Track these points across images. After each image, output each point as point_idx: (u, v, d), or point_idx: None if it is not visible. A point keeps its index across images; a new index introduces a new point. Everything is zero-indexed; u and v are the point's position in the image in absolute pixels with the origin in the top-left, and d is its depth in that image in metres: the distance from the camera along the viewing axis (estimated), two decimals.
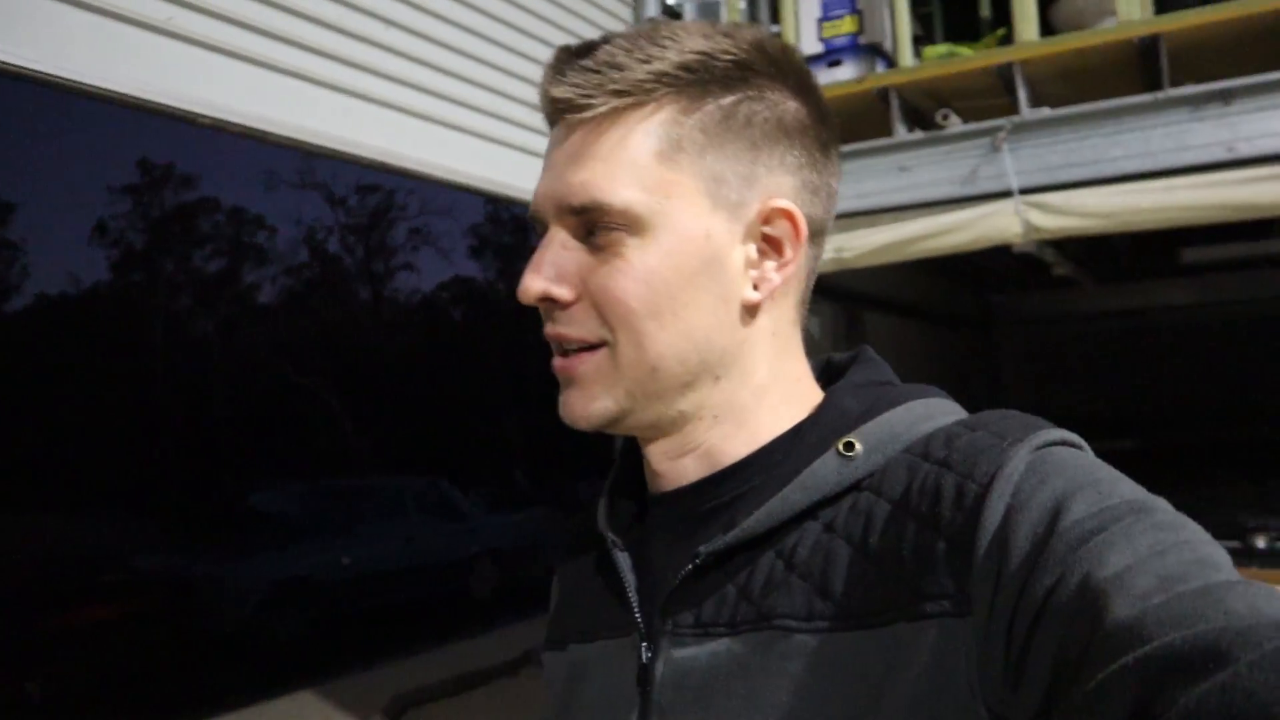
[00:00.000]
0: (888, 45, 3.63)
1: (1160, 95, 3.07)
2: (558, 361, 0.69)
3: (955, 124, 3.29)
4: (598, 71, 0.66)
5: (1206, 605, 0.44)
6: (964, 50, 3.68)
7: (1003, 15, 3.76)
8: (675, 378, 0.67)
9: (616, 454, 0.83)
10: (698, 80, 0.67)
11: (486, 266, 35.70)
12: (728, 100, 0.67)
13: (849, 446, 0.64)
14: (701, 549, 0.66)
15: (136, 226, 27.92)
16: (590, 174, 0.66)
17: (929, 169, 3.30)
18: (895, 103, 3.39)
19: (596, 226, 0.66)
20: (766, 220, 0.68)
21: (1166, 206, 3.02)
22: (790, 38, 3.74)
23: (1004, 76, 3.34)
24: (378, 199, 31.56)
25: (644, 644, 0.69)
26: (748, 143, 0.68)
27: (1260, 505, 3.87)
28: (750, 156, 0.68)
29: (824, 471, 0.64)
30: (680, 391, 0.68)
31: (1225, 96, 3.00)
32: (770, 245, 0.69)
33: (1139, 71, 3.29)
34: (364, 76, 2.46)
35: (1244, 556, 3.26)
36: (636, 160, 0.65)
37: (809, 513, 0.64)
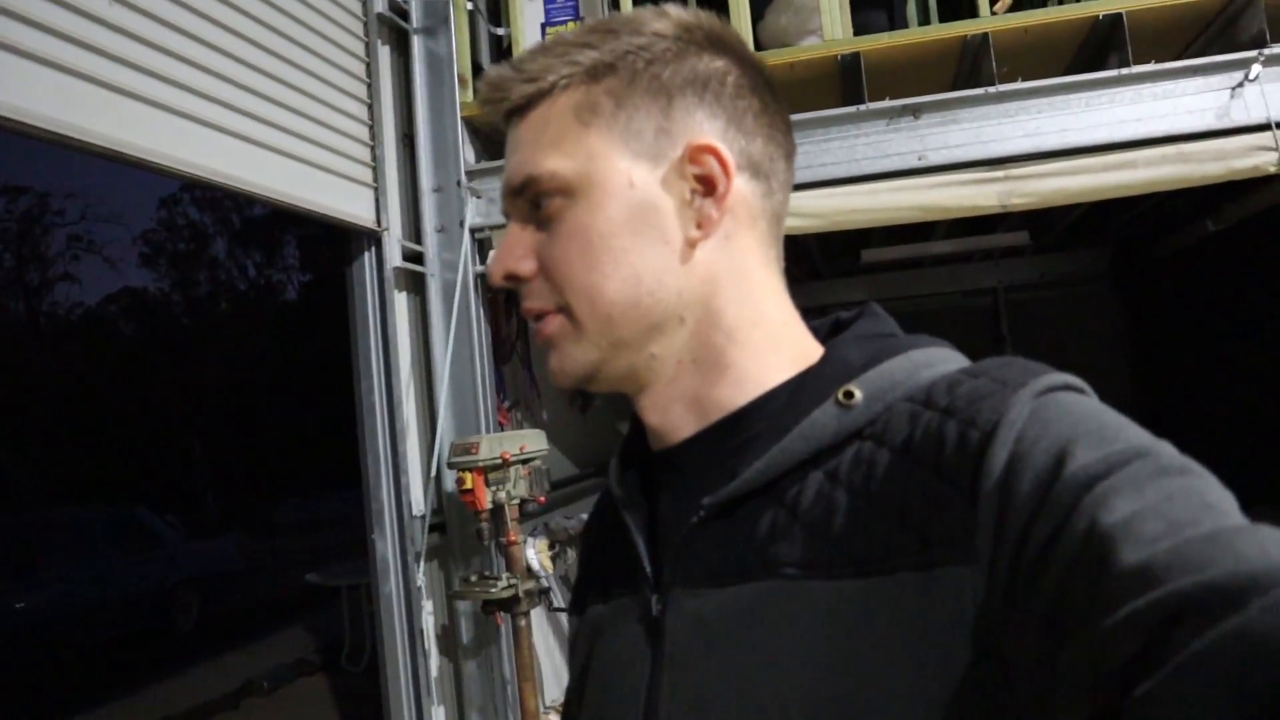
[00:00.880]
0: None
1: (863, 108, 3.40)
2: (536, 330, 0.73)
3: None
4: (516, 70, 0.73)
5: (1216, 549, 0.43)
6: None
7: None
8: (635, 323, 0.70)
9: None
10: (603, 57, 0.71)
11: (161, 276, 32.99)
12: (636, 65, 0.71)
13: (848, 395, 0.65)
14: (705, 500, 0.67)
15: None
16: (522, 156, 0.72)
17: None
18: None
19: (539, 200, 0.71)
20: (693, 160, 0.70)
21: (871, 208, 3.35)
22: (522, 39, 3.79)
23: None
24: (29, 201, 28.28)
25: (654, 596, 0.70)
26: (661, 97, 0.71)
27: None
28: (663, 108, 0.71)
29: (823, 420, 0.65)
30: (647, 336, 0.71)
31: (915, 111, 3.37)
32: (702, 184, 0.71)
33: (840, 86, 3.62)
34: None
35: None
36: (557, 133, 0.70)
37: (811, 462, 0.65)
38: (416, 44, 3.71)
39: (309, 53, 3.14)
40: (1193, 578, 0.42)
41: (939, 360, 0.68)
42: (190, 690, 6.85)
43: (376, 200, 3.47)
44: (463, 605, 3.47)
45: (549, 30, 3.87)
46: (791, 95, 3.70)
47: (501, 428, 3.97)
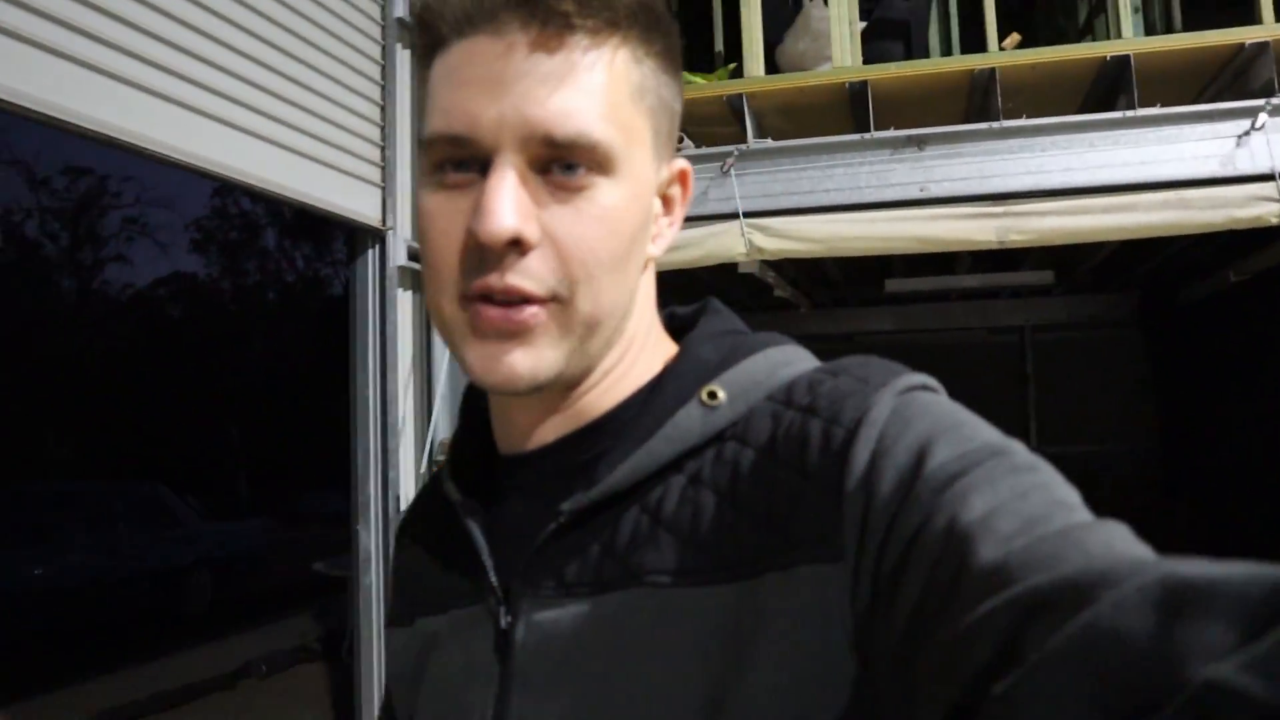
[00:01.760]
0: None
1: (867, 136, 3.42)
2: (495, 312, 0.60)
3: (689, 147, 3.51)
4: None
5: (1067, 546, 0.44)
6: (698, 79, 3.94)
7: (734, 51, 4.05)
8: (607, 333, 0.65)
9: (458, 413, 0.79)
10: (653, 20, 0.64)
11: (210, 262, 33.60)
12: (677, 58, 0.67)
13: (712, 395, 0.63)
14: (564, 506, 0.63)
15: None
16: (576, 103, 0.59)
17: None
18: None
19: (571, 163, 0.60)
20: (675, 179, 0.69)
21: (869, 236, 3.37)
22: None
23: (734, 107, 3.60)
24: (89, 183, 28.97)
25: (503, 608, 0.65)
26: (678, 100, 0.67)
27: None
28: (674, 110, 0.67)
29: (688, 422, 0.63)
30: (603, 348, 0.66)
31: (919, 142, 3.38)
32: (665, 203, 0.69)
33: (850, 113, 3.64)
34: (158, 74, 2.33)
35: None
36: (615, 99, 0.61)
37: (674, 465, 0.62)
38: None
39: (323, 53, 3.23)
40: (1048, 575, 0.42)
41: (794, 358, 0.66)
42: (191, 668, 6.95)
43: (383, 199, 3.55)
44: None
45: None
46: (801, 120, 3.73)
47: None
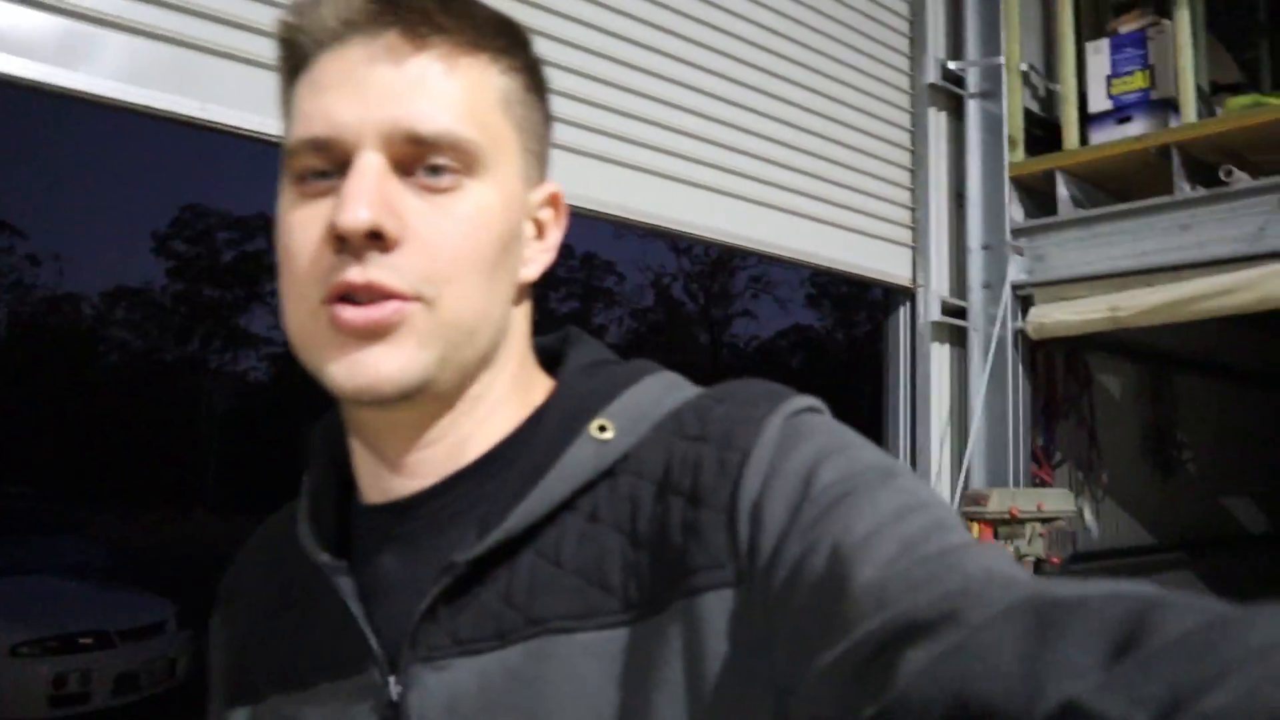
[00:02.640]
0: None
1: None
2: (356, 312, 0.57)
3: (1240, 180, 3.18)
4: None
5: (943, 568, 0.45)
6: (1273, 100, 3.52)
7: None
8: (482, 346, 0.62)
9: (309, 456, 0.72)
10: (516, 39, 0.66)
11: (824, 315, 35.97)
12: (545, 80, 0.68)
13: (602, 428, 0.61)
14: (458, 558, 0.59)
15: None
16: (442, 105, 0.59)
17: (1212, 226, 3.20)
18: (1176, 159, 3.31)
19: (437, 164, 0.59)
20: (547, 202, 0.68)
21: None
22: (1072, 96, 3.75)
23: None
24: (720, 249, 32.84)
25: (391, 678, 0.60)
26: (544, 119, 0.68)
27: None
28: (543, 135, 0.68)
29: (581, 457, 0.61)
30: (480, 364, 0.63)
31: None
32: (537, 227, 0.68)
33: None
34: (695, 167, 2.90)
35: None
36: (483, 106, 0.61)
37: (566, 503, 0.60)
38: (971, 108, 3.88)
39: (851, 129, 3.53)
40: (925, 596, 0.43)
41: (674, 385, 0.66)
42: None
43: (914, 258, 3.72)
44: None
45: (1114, 82, 3.78)
46: None
47: (1043, 484, 3.94)
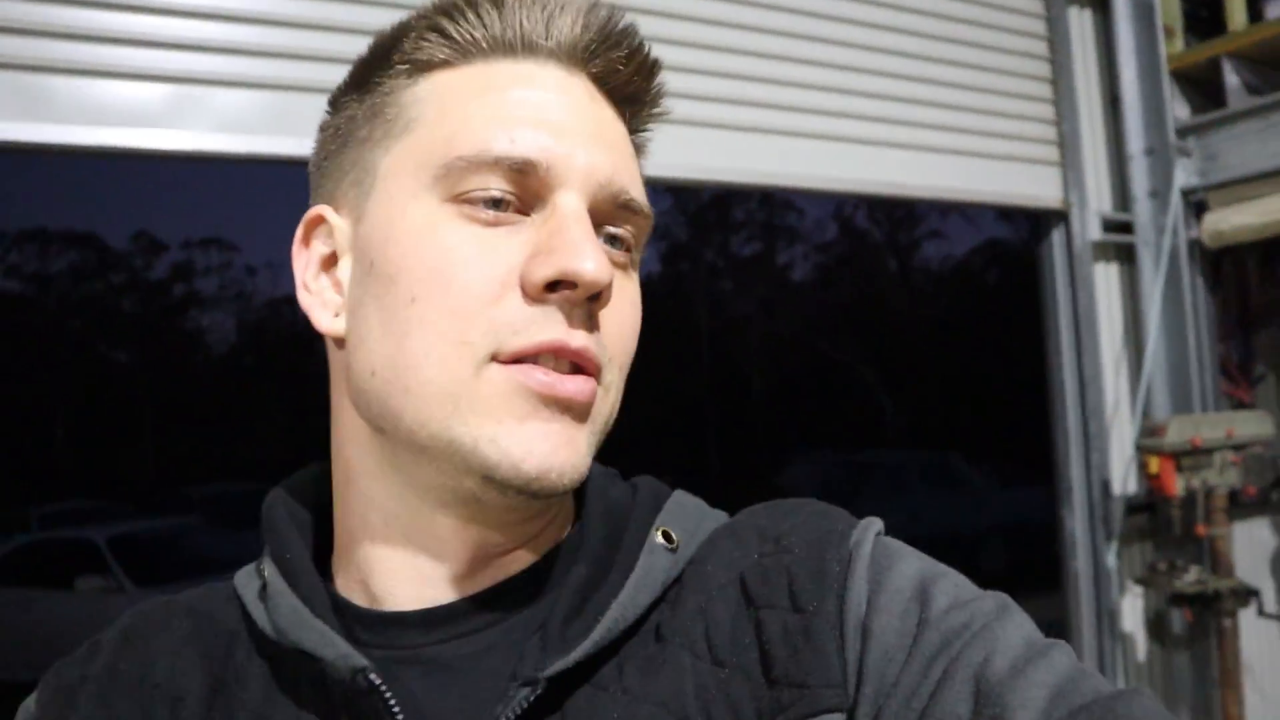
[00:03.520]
0: None
1: None
2: (571, 385, 0.49)
3: None
4: (646, 56, 0.56)
5: None
6: None
7: None
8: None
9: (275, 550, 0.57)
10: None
11: (1019, 227, 34.13)
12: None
13: (668, 536, 0.55)
14: (539, 674, 0.49)
15: (677, 221, 30.92)
16: (636, 173, 0.55)
17: None
18: None
19: (617, 236, 0.54)
20: None
21: None
22: None
23: None
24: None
25: None
26: None
27: None
28: None
29: (657, 566, 0.53)
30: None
31: None
32: None
33: None
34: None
35: None
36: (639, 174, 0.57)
37: (637, 623, 0.52)
38: None
39: (977, 48, 3.26)
40: None
41: (691, 499, 0.60)
42: None
43: (1064, 177, 3.43)
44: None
45: None
46: None
47: (1241, 405, 3.59)
